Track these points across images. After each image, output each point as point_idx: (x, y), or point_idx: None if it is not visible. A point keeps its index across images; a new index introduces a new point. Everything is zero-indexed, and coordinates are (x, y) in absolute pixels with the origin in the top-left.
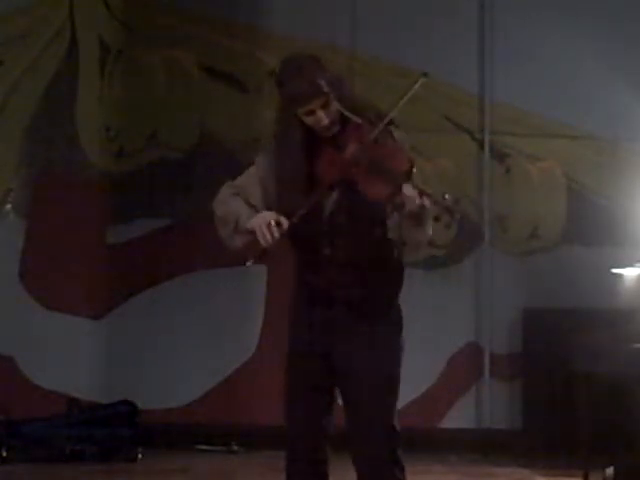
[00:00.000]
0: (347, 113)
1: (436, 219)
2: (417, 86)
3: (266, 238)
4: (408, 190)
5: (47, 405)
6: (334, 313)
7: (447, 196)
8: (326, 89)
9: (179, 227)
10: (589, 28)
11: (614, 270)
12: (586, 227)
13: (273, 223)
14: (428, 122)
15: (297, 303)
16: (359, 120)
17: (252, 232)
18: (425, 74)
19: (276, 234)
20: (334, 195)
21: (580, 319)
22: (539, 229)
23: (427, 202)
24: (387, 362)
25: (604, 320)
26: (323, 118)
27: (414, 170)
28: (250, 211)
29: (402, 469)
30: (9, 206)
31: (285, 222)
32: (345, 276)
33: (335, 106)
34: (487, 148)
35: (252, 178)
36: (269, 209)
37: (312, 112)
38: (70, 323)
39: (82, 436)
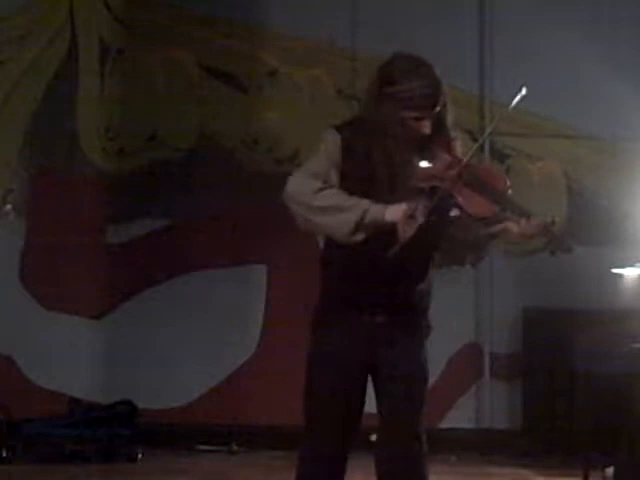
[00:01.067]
0: (448, 126)
1: (548, 243)
2: (517, 99)
3: (408, 232)
4: (524, 220)
5: (47, 405)
6: (380, 317)
7: (557, 219)
8: (444, 100)
9: (179, 227)
10: (589, 28)
11: (614, 270)
12: (586, 227)
13: (412, 216)
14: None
15: (333, 305)
16: (453, 135)
17: (390, 224)
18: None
19: (414, 228)
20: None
21: (580, 319)
22: None
23: (536, 230)
24: (423, 370)
25: (604, 320)
26: (427, 127)
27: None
28: (371, 202)
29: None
30: (9, 206)
31: (420, 217)
32: (403, 282)
33: (442, 118)
34: (487, 148)
35: (325, 165)
36: None
37: (421, 119)
38: (70, 323)
39: (82, 436)
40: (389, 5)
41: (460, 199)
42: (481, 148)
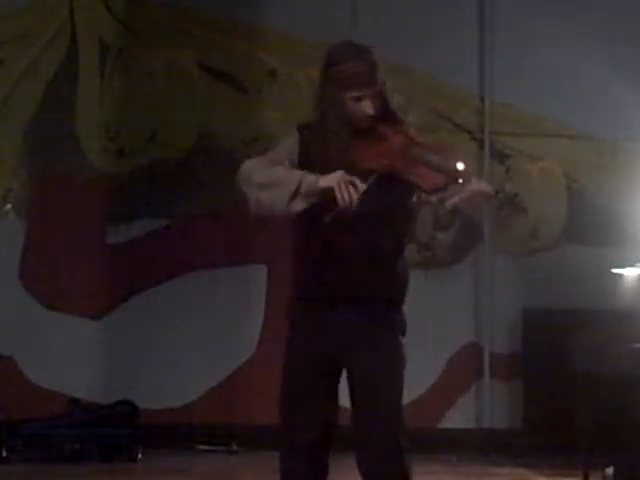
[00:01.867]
0: (394, 108)
1: (499, 208)
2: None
3: (345, 196)
4: (475, 179)
5: (47, 405)
6: (344, 311)
7: (508, 187)
8: (382, 79)
9: (179, 227)
10: (589, 28)
11: (614, 270)
12: (586, 227)
13: (350, 182)
14: (428, 122)
15: (303, 300)
16: (403, 117)
17: (326, 190)
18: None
19: (354, 194)
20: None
21: (580, 319)
22: (539, 229)
23: (491, 189)
24: (396, 364)
25: (604, 320)
26: (369, 107)
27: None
28: (307, 173)
29: (408, 469)
30: (9, 206)
31: (360, 184)
32: (364, 273)
33: (383, 98)
34: (487, 148)
35: (281, 155)
36: None
37: (361, 98)
38: (70, 323)
39: (82, 436)
40: (389, 5)
41: (408, 174)
42: (481, 148)
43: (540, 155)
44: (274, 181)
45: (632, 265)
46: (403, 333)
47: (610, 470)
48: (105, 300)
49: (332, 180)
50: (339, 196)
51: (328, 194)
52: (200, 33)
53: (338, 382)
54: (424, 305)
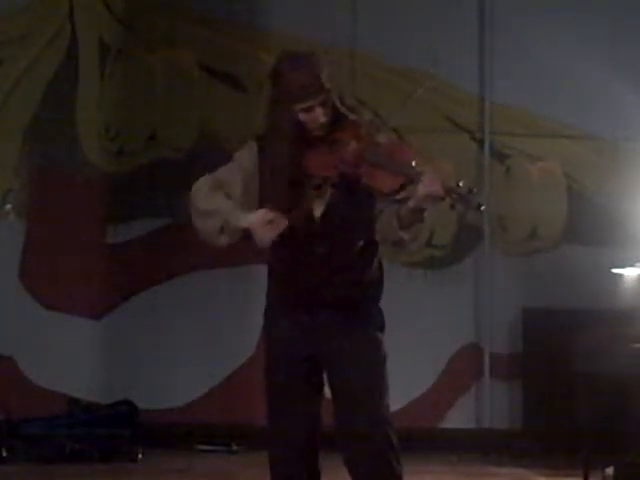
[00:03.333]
0: (345, 111)
1: (451, 207)
2: (420, 92)
3: (263, 237)
4: (427, 179)
5: (47, 405)
6: (322, 315)
7: (461, 184)
8: (328, 86)
9: (179, 227)
10: (589, 28)
11: (614, 270)
12: (586, 227)
13: (271, 221)
14: (428, 122)
15: (280, 306)
16: (356, 118)
17: (246, 231)
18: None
19: (273, 234)
20: (325, 193)
21: (580, 319)
22: (539, 229)
23: (442, 190)
24: (376, 362)
25: (604, 320)
26: (320, 116)
27: (417, 163)
28: (237, 209)
29: (397, 467)
30: (9, 206)
31: (282, 221)
32: (336, 276)
33: (332, 104)
34: (487, 148)
35: (234, 172)
36: (246, 207)
37: (311, 109)
38: (70, 323)
39: (82, 436)
40: (389, 5)
41: (365, 179)
42: (481, 148)
43: (540, 155)
44: (208, 211)
45: (632, 265)
46: (381, 329)
47: (610, 470)
48: (105, 300)
49: (253, 219)
50: (255, 237)
51: (249, 233)
52: (200, 33)
53: (322, 382)
54: (424, 305)
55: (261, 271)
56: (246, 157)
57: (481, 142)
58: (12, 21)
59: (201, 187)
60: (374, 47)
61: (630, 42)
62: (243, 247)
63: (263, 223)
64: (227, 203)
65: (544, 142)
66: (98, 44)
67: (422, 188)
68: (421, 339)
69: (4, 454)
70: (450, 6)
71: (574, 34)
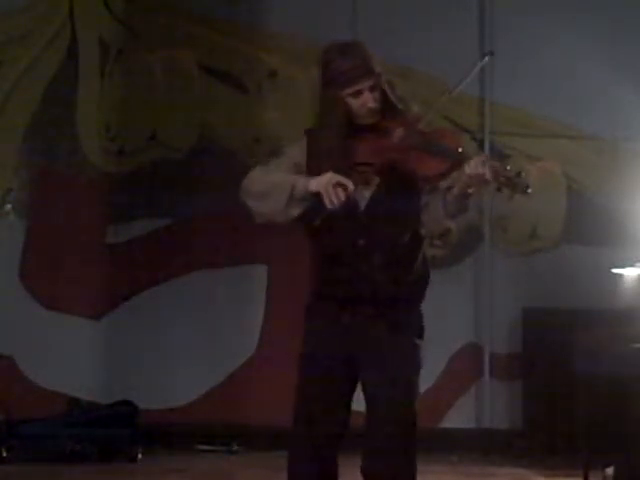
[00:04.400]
0: (393, 99)
1: (498, 189)
2: (477, 69)
3: (333, 199)
4: (474, 160)
5: (47, 405)
6: (362, 313)
7: (509, 167)
8: (378, 70)
9: (179, 227)
10: (589, 28)
11: (614, 270)
12: (586, 227)
13: (338, 183)
14: (428, 122)
15: (320, 301)
16: (404, 108)
17: (316, 194)
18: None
19: (342, 196)
20: (371, 186)
21: (580, 319)
22: (539, 229)
23: (490, 172)
24: (412, 368)
25: (604, 320)
26: (370, 100)
27: (463, 147)
28: (304, 177)
29: (414, 468)
30: (9, 206)
31: (350, 184)
32: (378, 272)
33: (382, 90)
34: (487, 148)
35: (284, 165)
36: None
37: (360, 93)
38: (70, 323)
39: (82, 436)
40: (389, 5)
41: (412, 163)
42: (481, 148)
43: (540, 155)
44: (269, 189)
45: (632, 265)
46: (420, 336)
47: (610, 470)
48: (105, 300)
49: (320, 183)
50: (326, 199)
51: (319, 197)
52: (200, 33)
53: (355, 383)
54: (424, 305)
55: (261, 271)
56: (297, 150)
57: (481, 142)
58: (12, 21)
59: (253, 175)
60: (374, 47)
61: (630, 42)
62: (244, 247)
63: (332, 185)
64: (287, 176)
65: (544, 142)
66: (98, 44)
67: (468, 169)
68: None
69: (4, 454)
70: (450, 6)
71: (574, 34)
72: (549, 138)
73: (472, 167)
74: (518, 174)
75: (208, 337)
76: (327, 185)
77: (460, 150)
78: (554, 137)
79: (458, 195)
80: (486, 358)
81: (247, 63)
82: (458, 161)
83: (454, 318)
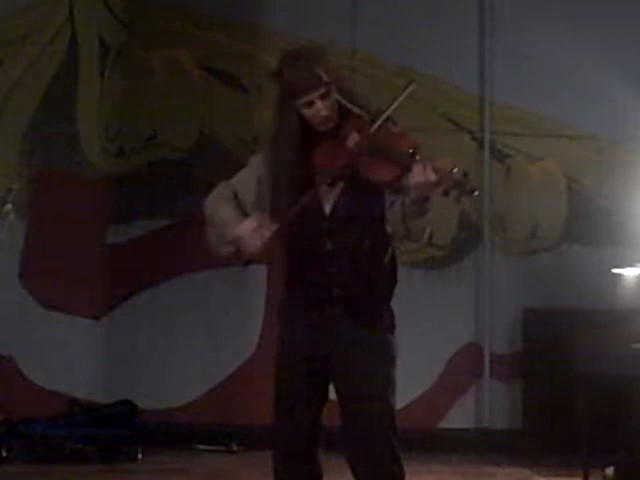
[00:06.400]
0: (347, 104)
1: (445, 193)
2: (403, 96)
3: (251, 247)
4: (417, 168)
5: (47, 405)
6: (331, 312)
7: (455, 170)
8: (326, 79)
9: (179, 227)
10: (589, 28)
11: (614, 270)
12: (586, 227)
13: (258, 229)
14: (428, 122)
15: (291, 303)
16: (359, 112)
17: (237, 240)
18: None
19: (258, 242)
20: (335, 190)
21: (580, 319)
22: (539, 229)
23: (435, 177)
24: (384, 363)
25: (604, 320)
26: (322, 109)
27: (417, 151)
28: (236, 219)
29: (401, 468)
30: (9, 206)
31: (270, 226)
32: (345, 274)
33: (334, 98)
34: (487, 148)
35: (249, 176)
36: (261, 210)
37: (311, 104)
38: (70, 323)
39: (82, 436)
40: (389, 5)
41: (366, 171)
42: (481, 148)
43: (540, 155)
44: (213, 221)
45: (632, 265)
46: (391, 330)
47: (610, 470)
48: (105, 300)
49: (241, 230)
50: (245, 245)
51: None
52: (200, 33)
53: (328, 382)
54: (424, 305)
55: (261, 271)
56: (259, 161)
57: (481, 142)
58: (12, 21)
59: (213, 196)
60: (374, 47)
61: (630, 42)
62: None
63: (249, 231)
64: (228, 212)
65: (544, 142)
66: (98, 44)
67: (412, 179)
68: (421, 339)
69: (4, 454)
70: (450, 6)
71: (574, 34)
72: (549, 138)
73: (415, 176)
74: (464, 175)
75: (208, 337)
76: (244, 232)
77: (412, 152)
78: (554, 137)
79: (414, 199)
80: (486, 358)
81: (247, 63)
82: (406, 166)
83: (454, 318)
